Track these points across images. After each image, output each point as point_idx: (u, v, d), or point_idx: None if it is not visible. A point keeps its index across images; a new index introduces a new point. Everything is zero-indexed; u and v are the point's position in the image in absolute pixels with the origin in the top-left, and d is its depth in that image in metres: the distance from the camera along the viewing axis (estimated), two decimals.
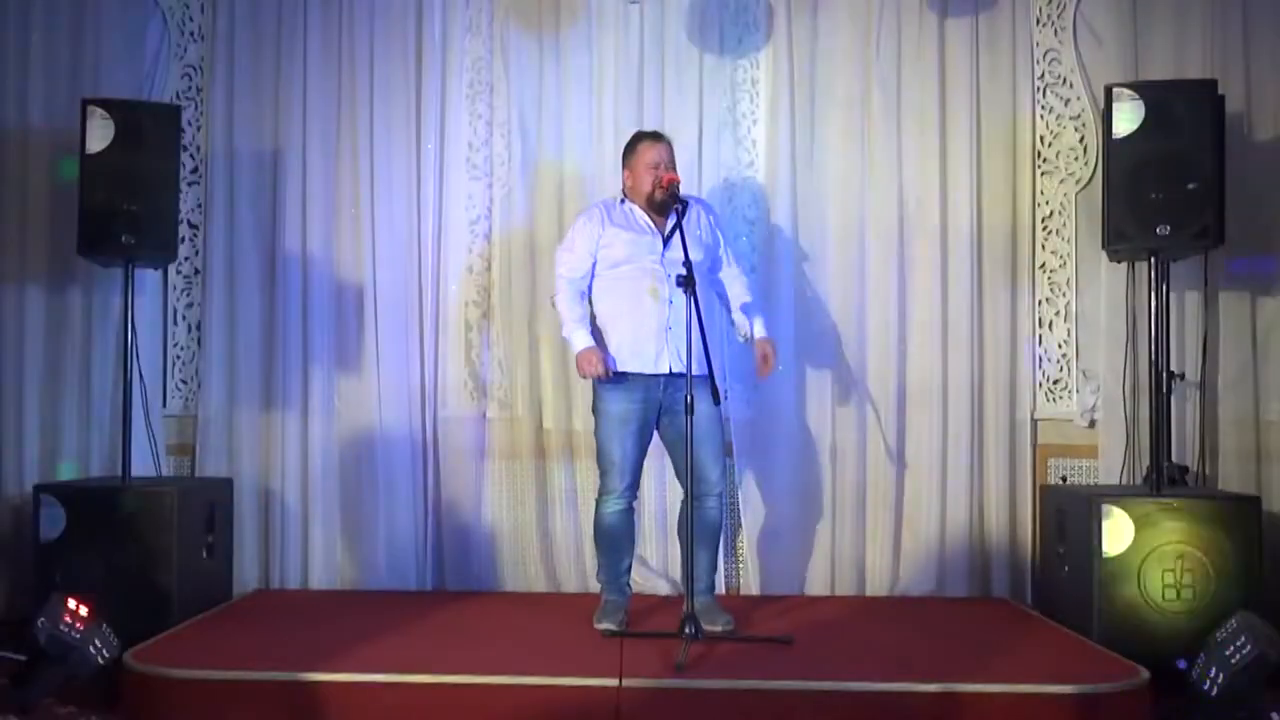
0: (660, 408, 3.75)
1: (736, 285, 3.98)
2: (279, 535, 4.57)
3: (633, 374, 3.75)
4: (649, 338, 3.72)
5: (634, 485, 3.82)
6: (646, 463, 3.90)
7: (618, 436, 3.76)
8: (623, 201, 3.90)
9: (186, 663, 3.29)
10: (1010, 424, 4.52)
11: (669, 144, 3.87)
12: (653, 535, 4.48)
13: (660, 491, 4.44)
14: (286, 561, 4.56)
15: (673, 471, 4.01)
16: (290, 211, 4.59)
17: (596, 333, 3.84)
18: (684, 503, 3.64)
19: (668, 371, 3.70)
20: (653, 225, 3.82)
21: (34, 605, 3.45)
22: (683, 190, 3.78)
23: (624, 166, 3.91)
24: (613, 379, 3.76)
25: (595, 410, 3.85)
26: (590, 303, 3.87)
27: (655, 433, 3.84)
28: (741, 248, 4.53)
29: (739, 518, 4.53)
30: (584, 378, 3.82)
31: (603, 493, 3.82)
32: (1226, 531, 3.71)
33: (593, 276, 3.84)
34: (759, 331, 3.91)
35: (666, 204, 3.74)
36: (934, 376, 4.51)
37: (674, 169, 3.82)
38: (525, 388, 4.58)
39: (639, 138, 3.91)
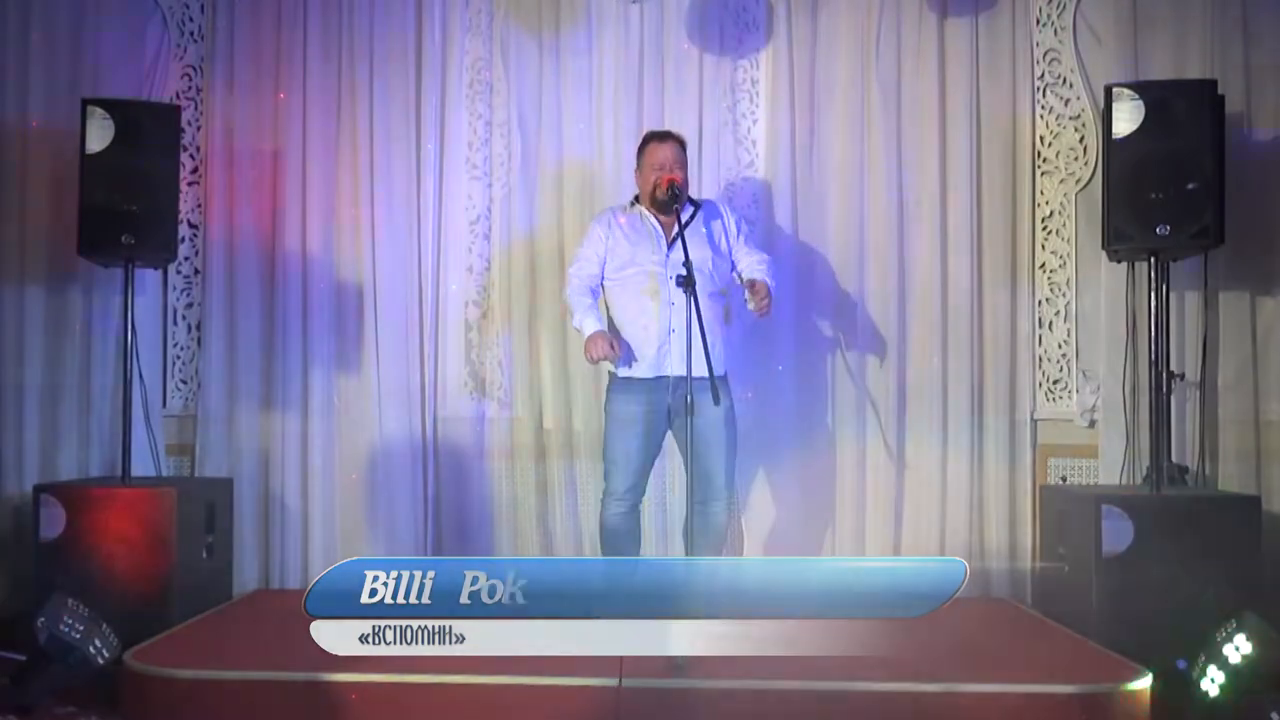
0: (670, 411, 3.74)
1: (750, 261, 3.87)
2: (279, 535, 4.57)
3: (639, 378, 3.75)
4: (652, 340, 3.72)
5: (637, 488, 3.81)
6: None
7: (621, 438, 3.77)
8: (633, 204, 3.90)
9: (186, 663, 3.29)
10: (1010, 424, 4.52)
11: (677, 142, 3.85)
12: (654, 537, 4.47)
13: (661, 494, 4.43)
14: (286, 561, 4.56)
15: (676, 473, 4.00)
16: (290, 211, 4.59)
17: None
18: (688, 505, 3.62)
19: (671, 373, 3.68)
20: (657, 227, 3.81)
21: (34, 605, 3.45)
22: (688, 192, 3.78)
23: (636, 167, 3.91)
24: (620, 382, 3.77)
25: (605, 410, 3.87)
26: (605, 307, 3.88)
27: (670, 435, 3.82)
28: None
29: (740, 519, 4.53)
30: (591, 362, 3.78)
31: (605, 494, 3.83)
32: (1226, 531, 3.71)
33: (603, 279, 3.84)
34: (755, 274, 3.77)
35: (668, 204, 3.73)
36: (934, 376, 4.51)
37: (681, 168, 3.81)
38: (525, 388, 4.57)
39: (647, 138, 3.91)
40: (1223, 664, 3.15)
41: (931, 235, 4.53)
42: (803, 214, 4.58)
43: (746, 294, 3.75)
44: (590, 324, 3.75)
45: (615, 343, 3.73)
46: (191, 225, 4.68)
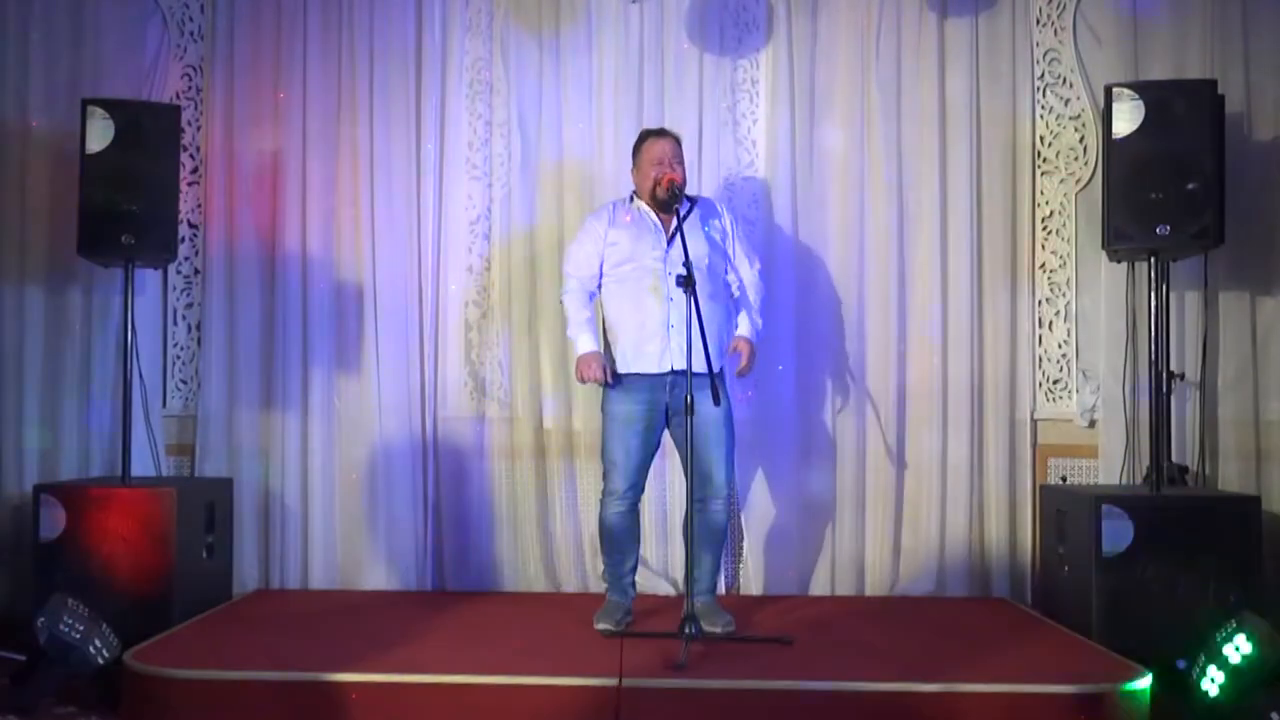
0: (668, 409, 3.75)
1: (742, 281, 3.93)
2: (279, 535, 4.57)
3: (638, 375, 3.75)
4: (651, 337, 3.72)
5: (637, 486, 3.82)
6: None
7: (621, 437, 3.77)
8: (631, 200, 3.90)
9: (186, 663, 3.29)
10: (1010, 424, 4.52)
11: (674, 140, 3.87)
12: (654, 536, 4.47)
13: (661, 492, 4.43)
14: (286, 561, 4.56)
15: (676, 472, 4.00)
16: (290, 211, 4.59)
17: (604, 334, 3.84)
18: (688, 504, 3.63)
19: (670, 370, 3.69)
20: (658, 223, 3.82)
21: (34, 605, 3.46)
22: (686, 190, 3.78)
23: (632, 164, 3.92)
24: (617, 380, 3.77)
25: (602, 410, 3.86)
26: (601, 304, 3.88)
27: (667, 433, 3.83)
28: None
29: (740, 518, 4.53)
30: (581, 382, 3.81)
31: (605, 493, 3.83)
32: (1226, 531, 3.71)
33: (601, 276, 3.85)
34: (740, 329, 3.90)
35: (669, 203, 3.74)
36: (934, 376, 4.51)
37: (679, 164, 3.82)
38: (525, 388, 4.57)
39: (644, 135, 3.93)
40: (1223, 664, 3.15)
41: (931, 235, 4.53)
42: (802, 214, 4.58)
43: (731, 349, 3.83)
44: (585, 341, 3.77)
45: (606, 366, 3.75)
46: (191, 225, 4.68)
